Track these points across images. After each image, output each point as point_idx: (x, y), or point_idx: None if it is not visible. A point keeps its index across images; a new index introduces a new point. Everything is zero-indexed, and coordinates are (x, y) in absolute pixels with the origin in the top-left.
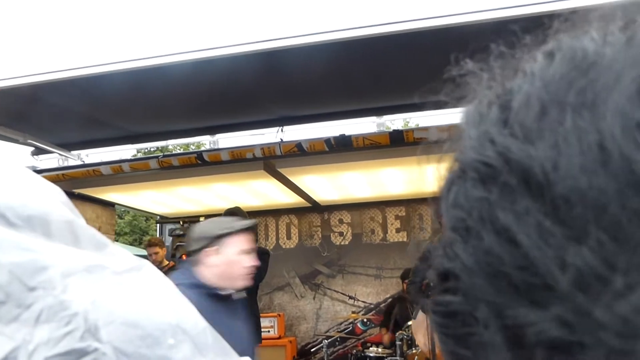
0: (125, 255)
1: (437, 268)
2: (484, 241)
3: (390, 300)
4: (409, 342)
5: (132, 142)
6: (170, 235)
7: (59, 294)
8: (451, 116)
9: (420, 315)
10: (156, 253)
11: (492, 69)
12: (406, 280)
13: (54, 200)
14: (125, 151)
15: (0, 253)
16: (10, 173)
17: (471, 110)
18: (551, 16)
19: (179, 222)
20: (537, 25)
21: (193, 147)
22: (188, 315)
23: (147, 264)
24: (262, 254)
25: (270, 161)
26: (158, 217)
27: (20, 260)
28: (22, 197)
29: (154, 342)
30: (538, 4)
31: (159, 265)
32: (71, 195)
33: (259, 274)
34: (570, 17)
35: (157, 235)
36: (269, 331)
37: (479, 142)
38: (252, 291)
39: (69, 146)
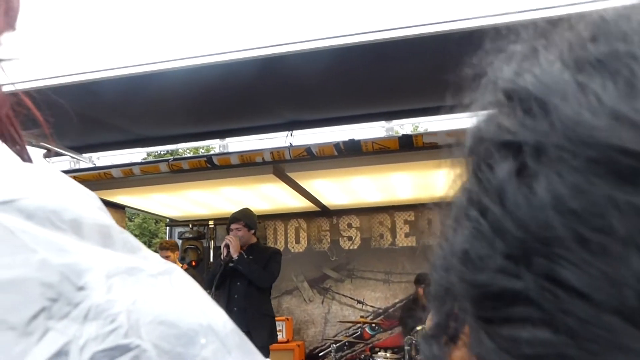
0: (156, 259)
1: (489, 286)
2: (632, 262)
3: (405, 302)
4: (418, 347)
5: (143, 146)
6: (179, 238)
7: (104, 294)
8: (460, 121)
9: None
10: (167, 257)
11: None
12: (422, 285)
13: (92, 205)
14: (136, 154)
15: (51, 255)
16: (50, 177)
17: (549, 75)
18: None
19: (189, 225)
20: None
21: (203, 151)
22: (217, 317)
23: (177, 268)
24: (274, 254)
25: (279, 165)
26: (168, 220)
27: (68, 262)
28: (64, 201)
29: (188, 342)
30: (550, 8)
31: None
32: None
33: (272, 273)
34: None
35: (167, 238)
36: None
37: (601, 122)
38: (265, 291)
39: (80, 149)
